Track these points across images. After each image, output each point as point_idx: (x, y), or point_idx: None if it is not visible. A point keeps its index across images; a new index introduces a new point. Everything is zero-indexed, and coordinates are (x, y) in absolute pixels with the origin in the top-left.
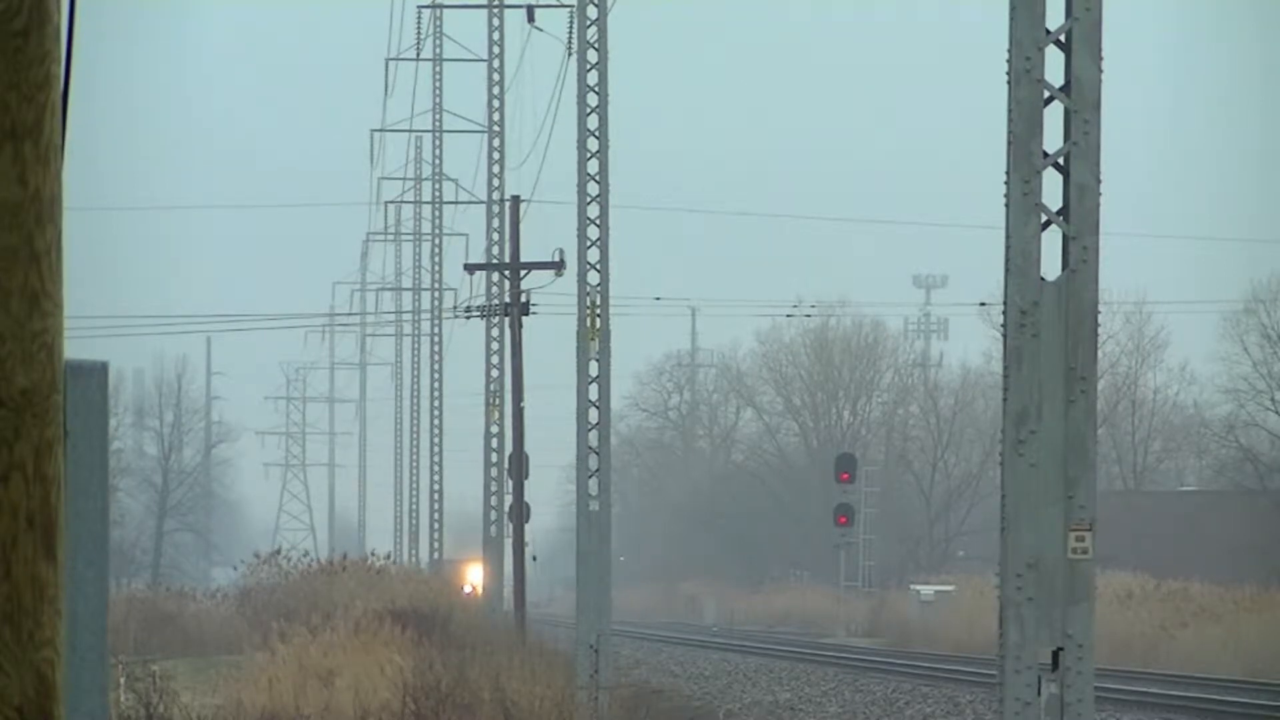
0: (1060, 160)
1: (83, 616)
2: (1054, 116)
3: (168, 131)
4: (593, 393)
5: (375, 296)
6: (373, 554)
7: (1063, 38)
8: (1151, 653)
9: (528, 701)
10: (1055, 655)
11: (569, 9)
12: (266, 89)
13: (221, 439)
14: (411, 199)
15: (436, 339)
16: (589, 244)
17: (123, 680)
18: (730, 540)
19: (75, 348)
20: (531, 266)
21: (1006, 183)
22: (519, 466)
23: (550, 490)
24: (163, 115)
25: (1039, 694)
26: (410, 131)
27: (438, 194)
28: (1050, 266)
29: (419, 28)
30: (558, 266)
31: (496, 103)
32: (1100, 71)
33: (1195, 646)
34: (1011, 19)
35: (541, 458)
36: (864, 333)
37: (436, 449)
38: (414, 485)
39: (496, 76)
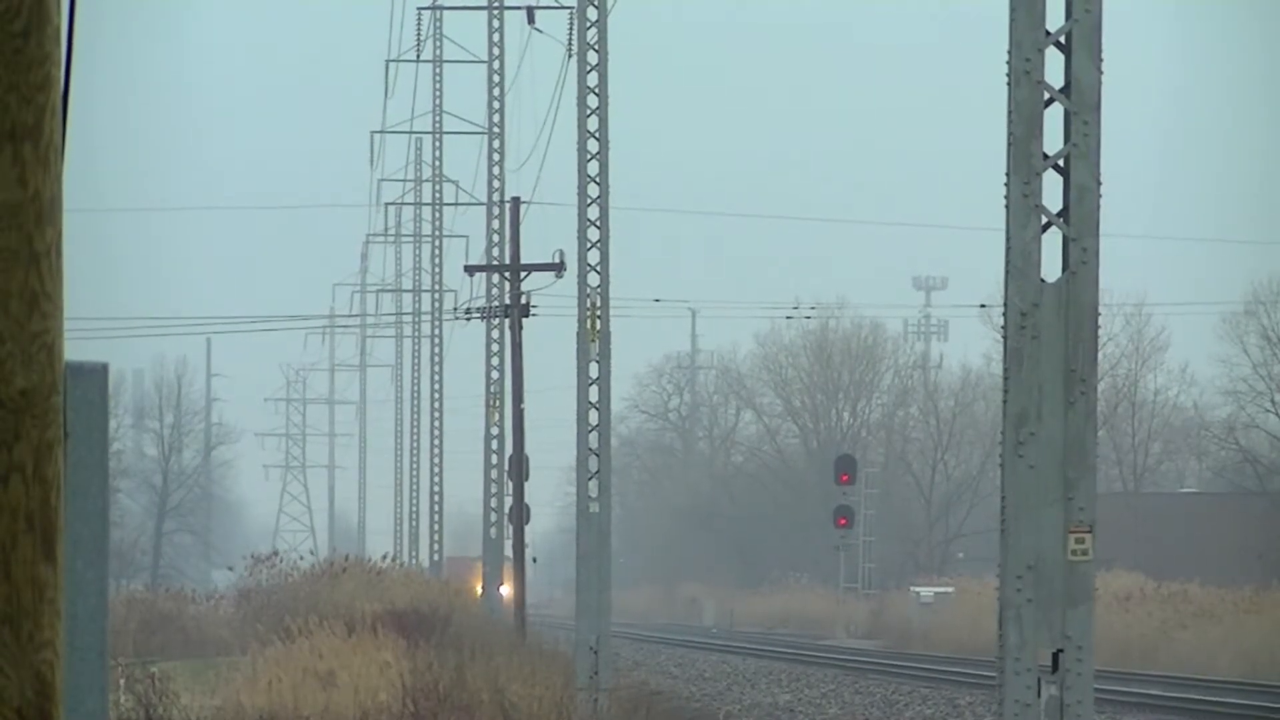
0: (1060, 162)
1: (82, 618)
2: (1054, 118)
3: (168, 133)
4: (593, 394)
5: (375, 298)
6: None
7: (1062, 39)
8: (1151, 654)
9: (526, 703)
10: (1055, 657)
11: (569, 10)
12: (266, 91)
13: (221, 440)
14: (411, 200)
15: (436, 341)
16: (589, 245)
17: (122, 682)
18: (730, 542)
19: (75, 349)
20: (531, 268)
21: (1006, 184)
22: (519, 468)
23: (550, 492)
24: (163, 117)
25: (1039, 696)
26: (410, 133)
27: (438, 195)
28: (1050, 268)
29: (419, 29)
30: (558, 268)
31: (496, 104)
32: (1100, 73)
33: (1195, 648)
34: (1011, 20)
35: (541, 459)
36: (863, 334)
37: (436, 451)
38: (414, 487)
39: (496, 78)
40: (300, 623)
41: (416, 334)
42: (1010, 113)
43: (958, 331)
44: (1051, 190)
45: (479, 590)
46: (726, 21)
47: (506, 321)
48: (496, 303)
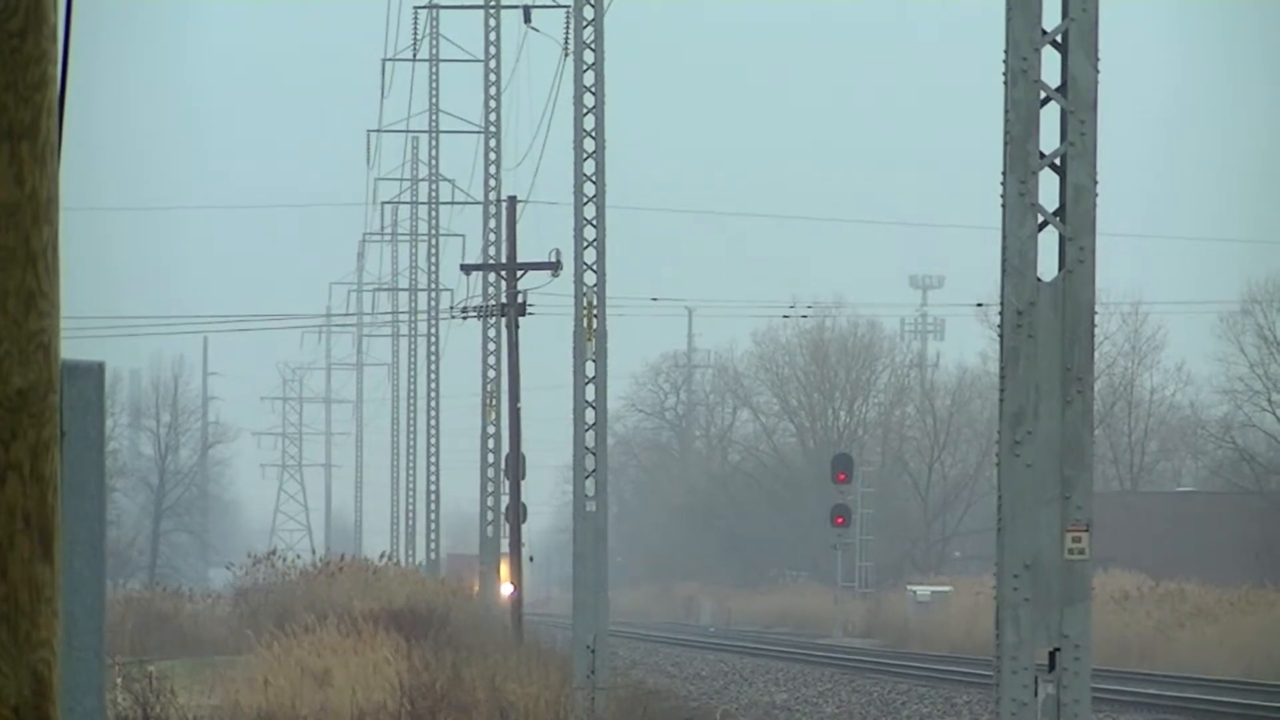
0: (1057, 161)
1: (79, 617)
2: (1050, 117)
3: (164, 132)
4: (589, 393)
5: (372, 297)
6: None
7: (1059, 38)
8: (1148, 653)
9: (524, 702)
10: (1052, 656)
11: (565, 9)
12: (263, 89)
13: (218, 439)
14: (408, 199)
15: (433, 339)
16: (585, 244)
17: (119, 681)
18: (727, 541)
19: (72, 348)
20: (528, 267)
21: (1003, 183)
22: (516, 467)
23: (547, 491)
24: (159, 115)
25: (1036, 695)
26: (407, 132)
27: (434, 194)
28: (1047, 267)
29: (416, 28)
30: (554, 267)
31: (493, 103)
32: (1097, 72)
33: (1192, 647)
34: (1008, 19)
35: (538, 458)
36: (860, 333)
37: (433, 449)
38: (411, 486)
39: (493, 77)
40: (297, 622)
41: (413, 333)
42: (1007, 112)
43: (954, 330)
44: (1048, 189)
45: (476, 588)
46: (723, 20)
47: (503, 320)
48: (493, 301)
